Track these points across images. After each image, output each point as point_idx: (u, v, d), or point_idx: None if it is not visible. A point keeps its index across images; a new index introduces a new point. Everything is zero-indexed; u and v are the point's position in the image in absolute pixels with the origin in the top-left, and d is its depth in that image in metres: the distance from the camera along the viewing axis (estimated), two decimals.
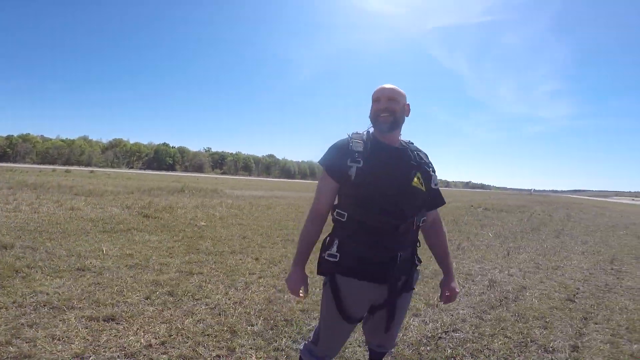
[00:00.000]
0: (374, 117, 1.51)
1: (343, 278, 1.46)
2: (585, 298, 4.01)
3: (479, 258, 5.76)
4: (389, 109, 1.47)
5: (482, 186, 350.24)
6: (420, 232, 1.60)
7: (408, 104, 1.56)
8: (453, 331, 2.87)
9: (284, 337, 2.54)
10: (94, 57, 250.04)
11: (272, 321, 2.78)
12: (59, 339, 2.24)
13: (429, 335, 2.75)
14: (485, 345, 2.67)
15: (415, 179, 1.49)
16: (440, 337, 2.74)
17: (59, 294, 2.91)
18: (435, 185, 1.57)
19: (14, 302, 2.68)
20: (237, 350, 2.31)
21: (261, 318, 2.82)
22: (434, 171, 1.58)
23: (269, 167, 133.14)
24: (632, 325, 3.26)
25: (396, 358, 2.40)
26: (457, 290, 1.67)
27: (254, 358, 2.24)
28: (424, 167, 1.53)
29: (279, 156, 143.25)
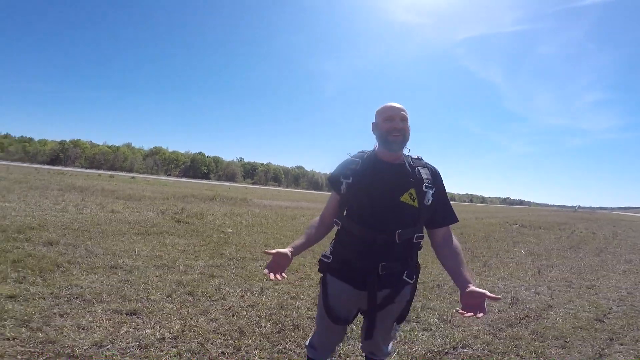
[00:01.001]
0: (385, 136, 1.54)
1: (331, 277, 1.61)
2: (616, 318, 3.78)
3: (505, 275, 5.55)
4: (403, 129, 1.54)
5: (521, 202, 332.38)
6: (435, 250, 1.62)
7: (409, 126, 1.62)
8: (462, 347, 2.82)
9: (290, 341, 2.63)
10: (139, 69, 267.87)
11: (280, 325, 2.88)
12: (83, 328, 2.46)
13: (436, 349, 2.72)
14: None
15: (407, 195, 1.51)
16: (447, 352, 2.71)
17: (92, 288, 3.19)
18: (429, 202, 1.53)
19: (51, 293, 2.97)
20: (242, 349, 2.43)
21: (270, 321, 2.92)
22: (430, 188, 1.55)
23: (297, 178, 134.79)
24: None
25: None
26: (488, 294, 1.36)
27: (257, 358, 2.34)
28: (420, 184, 1.54)
29: (308, 168, 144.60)
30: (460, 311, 1.39)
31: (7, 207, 7.18)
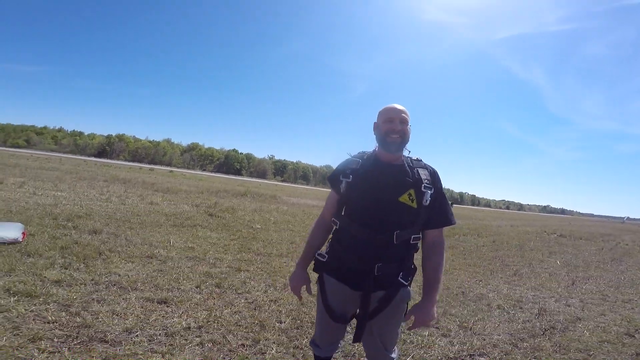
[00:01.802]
0: (383, 137, 1.57)
1: (327, 277, 1.64)
2: None
3: (536, 286, 5.34)
4: (402, 131, 1.55)
5: (563, 211, 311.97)
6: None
7: (410, 126, 1.62)
8: (479, 355, 2.79)
9: (306, 337, 2.72)
10: (181, 68, 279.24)
11: (299, 321, 2.99)
12: (117, 314, 2.65)
13: (452, 356, 2.72)
14: None
15: (405, 195, 1.51)
16: (462, 359, 2.70)
17: (128, 276, 3.45)
18: (427, 202, 1.53)
19: (92, 280, 3.24)
20: (261, 342, 2.56)
21: (290, 317, 3.04)
22: (429, 188, 1.55)
23: (325, 177, 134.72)
24: None
25: None
26: (430, 316, 1.53)
27: (273, 351, 2.46)
28: (419, 185, 1.54)
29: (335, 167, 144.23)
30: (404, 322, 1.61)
31: (59, 196, 7.84)
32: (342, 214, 1.64)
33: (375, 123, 1.65)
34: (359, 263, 1.54)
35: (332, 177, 1.68)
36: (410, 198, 1.52)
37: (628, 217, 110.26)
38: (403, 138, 1.56)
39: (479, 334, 3.19)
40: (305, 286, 1.75)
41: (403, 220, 1.52)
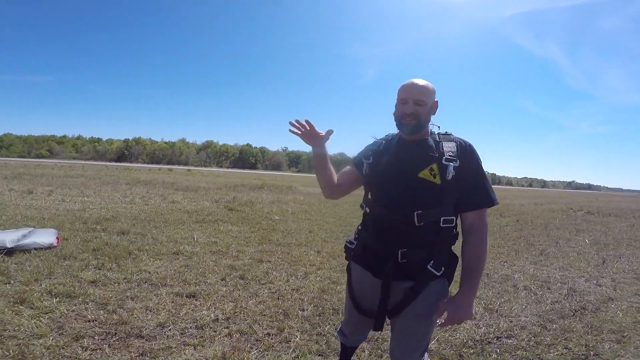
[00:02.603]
0: (398, 119, 1.46)
1: (354, 264, 1.57)
2: None
3: (564, 265, 5.21)
4: (415, 114, 1.40)
5: (589, 187, 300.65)
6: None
7: (436, 101, 1.47)
8: (506, 337, 2.77)
9: (329, 324, 2.77)
10: (189, 66, 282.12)
11: (321, 309, 3.04)
12: (150, 310, 2.77)
13: (478, 338, 2.70)
14: (537, 355, 2.53)
15: (426, 171, 1.37)
16: (489, 342, 2.68)
17: (157, 273, 3.58)
18: (449, 176, 1.35)
19: (124, 279, 3.38)
20: (285, 330, 2.62)
21: (312, 305, 3.09)
22: (452, 160, 1.37)
23: (339, 164, 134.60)
24: None
25: (434, 357, 2.44)
26: (466, 313, 1.36)
27: (298, 339, 2.51)
28: (441, 158, 1.38)
29: (350, 154, 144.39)
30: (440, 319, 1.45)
31: (86, 201, 8.16)
32: (366, 196, 1.56)
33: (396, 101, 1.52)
34: (381, 247, 1.43)
35: (355, 160, 1.63)
36: (432, 173, 1.36)
37: None
38: (418, 120, 1.41)
39: (505, 316, 3.16)
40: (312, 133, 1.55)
41: (424, 199, 1.37)
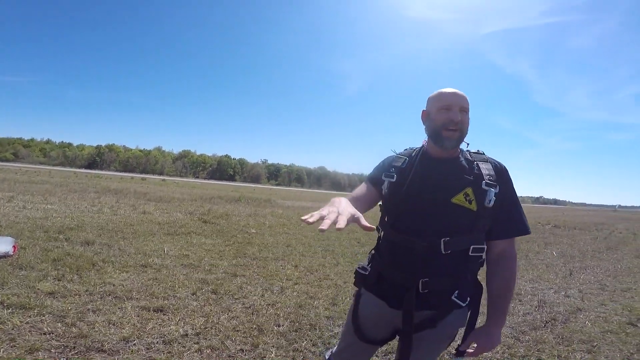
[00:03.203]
0: (439, 129, 1.27)
1: (365, 292, 1.42)
2: None
3: (534, 277, 5.36)
4: (460, 123, 1.26)
5: (555, 202, 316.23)
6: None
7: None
8: None
9: (306, 339, 2.69)
10: (169, 74, 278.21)
11: (297, 324, 2.95)
12: (113, 324, 2.62)
13: (454, 352, 2.69)
14: None
15: (461, 195, 1.23)
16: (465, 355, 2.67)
17: (123, 286, 3.39)
18: (490, 203, 1.23)
19: (86, 291, 3.18)
20: (260, 346, 2.51)
21: (288, 320, 3.00)
22: (492, 186, 1.24)
23: (320, 179, 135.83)
24: None
25: None
26: (496, 341, 1.29)
27: (273, 355, 2.42)
28: (479, 182, 1.25)
29: (330, 168, 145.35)
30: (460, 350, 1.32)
31: (49, 209, 7.70)
32: (385, 219, 1.37)
33: (424, 111, 1.36)
34: (400, 275, 1.29)
35: (373, 176, 1.42)
36: (468, 199, 1.23)
37: (619, 205, 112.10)
38: (462, 131, 1.27)
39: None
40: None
41: (456, 226, 1.24)
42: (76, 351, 2.24)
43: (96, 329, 2.51)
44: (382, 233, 1.37)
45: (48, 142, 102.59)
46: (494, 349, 1.39)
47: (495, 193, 1.24)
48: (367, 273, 1.40)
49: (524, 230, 1.29)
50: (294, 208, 14.69)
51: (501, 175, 1.29)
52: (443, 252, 1.23)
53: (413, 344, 1.28)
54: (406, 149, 1.44)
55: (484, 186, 1.23)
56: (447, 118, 1.25)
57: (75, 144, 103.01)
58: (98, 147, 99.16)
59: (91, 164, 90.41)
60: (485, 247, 1.29)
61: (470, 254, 1.25)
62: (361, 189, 1.41)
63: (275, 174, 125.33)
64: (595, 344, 3.02)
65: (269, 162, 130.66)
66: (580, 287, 4.94)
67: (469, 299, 1.28)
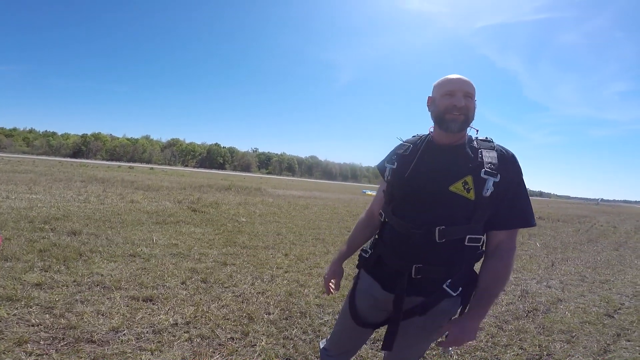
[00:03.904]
0: (442, 114, 1.27)
1: (364, 273, 1.46)
2: (627, 314, 3.73)
3: (517, 268, 5.50)
4: (464, 109, 1.25)
5: (541, 194, 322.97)
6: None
7: (476, 101, 1.32)
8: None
9: (296, 327, 2.73)
10: (155, 61, 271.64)
11: (287, 312, 2.99)
12: (102, 314, 2.61)
13: (439, 340, 2.77)
14: (495, 355, 2.64)
15: (459, 184, 1.22)
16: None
17: (111, 276, 3.36)
18: (487, 192, 1.20)
19: (74, 281, 3.15)
20: (250, 334, 2.54)
21: (278, 308, 3.04)
22: (492, 175, 1.21)
23: (311, 168, 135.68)
24: None
25: None
26: (468, 335, 1.21)
27: (263, 343, 2.45)
28: (479, 170, 1.22)
29: (321, 157, 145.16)
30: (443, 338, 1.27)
31: (33, 199, 7.54)
32: (385, 204, 1.41)
33: (430, 98, 1.36)
34: (396, 261, 1.31)
35: (379, 165, 1.49)
36: (466, 187, 1.21)
37: (602, 199, 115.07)
38: (467, 115, 1.26)
39: None
40: (335, 280, 1.57)
41: (452, 215, 1.23)
42: (65, 342, 2.22)
43: (85, 320, 2.49)
44: (384, 217, 1.39)
45: (31, 131, 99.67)
46: (464, 344, 1.26)
47: (494, 182, 1.20)
48: (367, 256, 1.43)
49: (525, 222, 1.25)
50: (285, 197, 14.69)
51: (505, 163, 1.25)
52: (437, 240, 1.22)
53: (401, 330, 1.30)
54: (414, 136, 1.44)
55: (482, 174, 1.21)
56: (450, 103, 1.26)
57: (59, 133, 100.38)
58: (84, 136, 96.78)
59: (76, 153, 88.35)
60: (483, 237, 1.28)
61: (466, 243, 1.24)
62: (378, 194, 1.52)
63: (266, 162, 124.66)
64: (574, 334, 3.12)
65: (260, 150, 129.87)
66: (561, 278, 5.10)
67: (461, 289, 1.26)
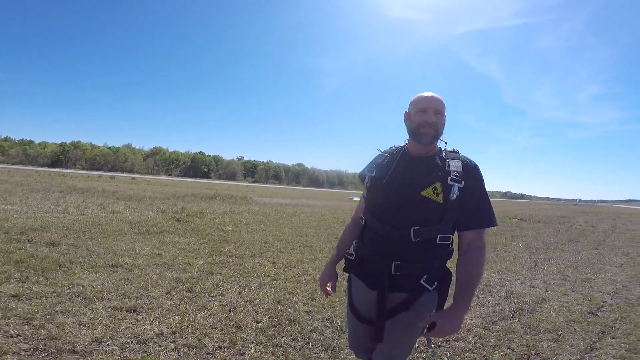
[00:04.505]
0: (416, 128, 1.45)
1: (353, 276, 1.60)
2: (610, 312, 3.83)
3: (502, 269, 5.60)
4: (434, 125, 1.43)
5: (522, 196, 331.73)
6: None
7: (446, 116, 1.50)
8: (455, 340, 2.88)
9: (285, 335, 2.69)
10: (137, 68, 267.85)
11: (276, 319, 2.95)
12: (84, 325, 2.54)
13: (425, 330, 2.77)
14: (484, 356, 2.66)
15: (430, 189, 1.38)
16: (440, 346, 2.76)
17: (93, 287, 3.25)
18: (454, 196, 1.36)
19: (53, 292, 3.04)
20: (238, 343, 2.50)
21: (267, 316, 2.99)
22: (457, 181, 1.38)
23: (298, 175, 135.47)
24: None
25: None
26: (454, 325, 1.31)
27: (252, 351, 2.41)
28: (446, 177, 1.39)
29: (308, 165, 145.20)
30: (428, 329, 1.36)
31: (9, 210, 7.26)
32: (366, 208, 1.56)
33: (406, 113, 1.53)
34: (377, 260, 1.45)
35: (360, 174, 1.65)
36: (436, 192, 1.38)
37: (580, 200, 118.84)
38: (437, 130, 1.44)
39: None
40: (330, 283, 1.68)
41: (424, 216, 1.39)
42: (47, 353, 2.17)
43: (66, 331, 2.43)
44: (364, 221, 1.54)
45: (7, 139, 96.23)
46: (452, 333, 1.38)
47: (459, 187, 1.38)
48: (352, 258, 1.57)
49: (488, 222, 1.42)
50: (272, 205, 14.58)
51: (469, 172, 1.43)
52: (413, 239, 1.38)
53: (389, 327, 1.43)
54: (391, 147, 1.61)
55: (449, 181, 1.38)
56: (422, 119, 1.43)
57: (37, 142, 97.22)
58: (62, 145, 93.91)
59: (54, 162, 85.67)
60: (452, 237, 1.44)
61: (437, 242, 1.39)
62: (361, 201, 1.67)
63: (252, 170, 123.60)
64: (560, 332, 3.17)
65: (246, 158, 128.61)
66: (544, 277, 5.21)
67: (436, 283, 1.41)
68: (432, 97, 1.46)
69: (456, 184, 1.38)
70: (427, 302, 1.42)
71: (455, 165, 1.42)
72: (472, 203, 1.40)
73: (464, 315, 1.36)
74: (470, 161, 1.47)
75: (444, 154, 1.49)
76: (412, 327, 1.42)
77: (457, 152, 1.49)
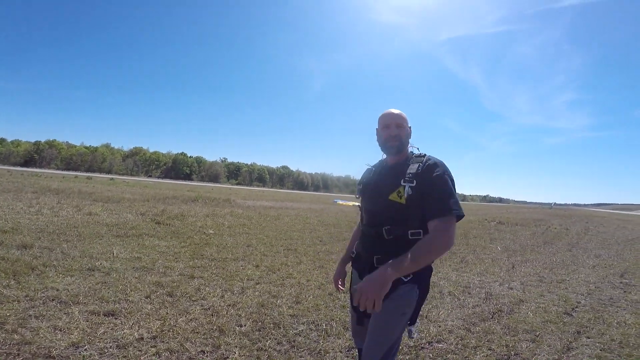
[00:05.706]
0: (384, 142, 1.70)
1: (353, 270, 1.83)
2: (584, 312, 3.97)
3: (481, 271, 5.72)
4: (397, 137, 1.66)
5: (500, 200, 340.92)
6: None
7: (410, 127, 1.73)
8: (437, 342, 2.92)
9: (270, 338, 2.67)
10: (118, 65, 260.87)
11: (260, 323, 2.92)
12: (60, 330, 2.45)
13: (412, 344, 2.81)
14: (466, 357, 2.70)
15: (395, 194, 1.57)
16: (422, 347, 2.80)
17: (68, 290, 3.14)
18: (407, 196, 1.52)
19: (26, 296, 2.92)
20: (222, 347, 2.46)
21: (250, 320, 2.96)
22: (409, 182, 1.54)
23: (282, 178, 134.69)
24: (625, 339, 3.22)
25: None
26: (370, 284, 1.33)
27: (236, 355, 2.38)
28: (408, 180, 1.57)
29: (293, 167, 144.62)
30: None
31: None
32: (359, 214, 1.85)
33: (377, 129, 1.76)
34: (364, 255, 1.71)
35: (357, 187, 1.90)
36: (399, 195, 1.57)
37: (555, 203, 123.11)
38: (401, 141, 1.67)
39: (434, 322, 3.34)
40: (340, 280, 1.94)
41: (393, 217, 1.58)
42: (21, 358, 2.11)
43: (41, 335, 2.35)
44: (358, 225, 1.85)
45: None
46: (367, 293, 1.31)
47: (411, 187, 1.54)
48: (354, 255, 1.83)
49: (448, 211, 1.49)
50: (255, 208, 14.45)
51: (425, 170, 1.56)
52: (386, 237, 1.58)
53: (373, 316, 1.56)
54: (379, 160, 1.84)
55: (402, 183, 1.57)
56: (387, 134, 1.68)
57: (9, 140, 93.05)
58: (37, 143, 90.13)
59: (28, 162, 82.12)
60: (422, 232, 1.56)
61: (409, 237, 1.55)
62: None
63: (235, 173, 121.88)
64: (537, 333, 3.26)
65: (229, 160, 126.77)
66: (522, 279, 5.36)
67: (411, 275, 1.53)
68: (392, 113, 1.70)
69: (408, 184, 1.55)
70: (404, 294, 1.54)
71: (411, 168, 1.59)
72: (431, 197, 1.52)
73: (385, 277, 1.34)
74: (429, 161, 1.59)
75: (411, 159, 1.65)
76: (392, 316, 1.54)
77: (422, 156, 1.64)
